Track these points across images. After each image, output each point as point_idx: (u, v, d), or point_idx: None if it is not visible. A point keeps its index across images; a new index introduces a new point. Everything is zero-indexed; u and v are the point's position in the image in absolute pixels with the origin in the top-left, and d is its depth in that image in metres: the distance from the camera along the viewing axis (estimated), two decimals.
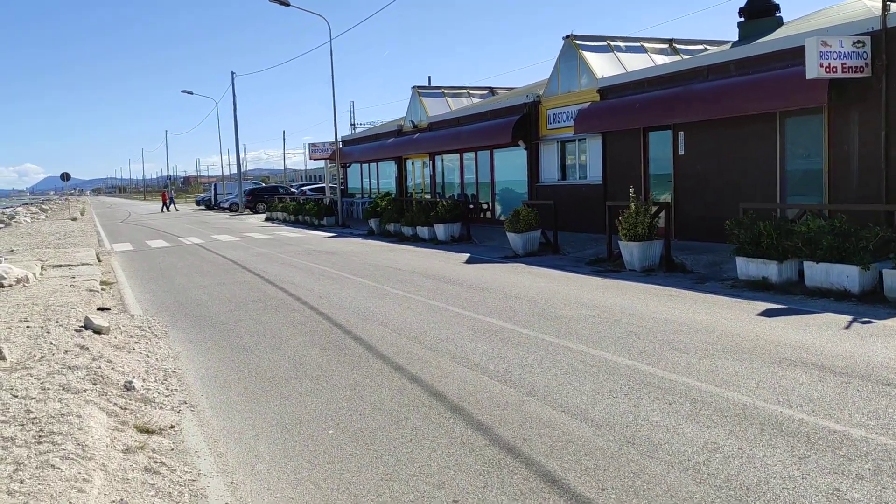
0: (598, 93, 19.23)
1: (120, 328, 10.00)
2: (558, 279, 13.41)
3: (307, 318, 10.65)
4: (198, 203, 70.22)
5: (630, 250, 14.28)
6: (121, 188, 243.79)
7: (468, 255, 18.37)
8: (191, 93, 56.32)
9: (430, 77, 37.76)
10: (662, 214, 14.58)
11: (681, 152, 16.73)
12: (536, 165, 22.43)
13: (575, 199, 19.81)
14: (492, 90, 31.40)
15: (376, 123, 38.50)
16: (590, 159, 20.24)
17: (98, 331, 9.33)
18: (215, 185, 64.51)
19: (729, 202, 15.54)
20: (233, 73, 50.25)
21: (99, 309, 11.58)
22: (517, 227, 17.65)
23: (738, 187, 15.29)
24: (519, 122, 22.18)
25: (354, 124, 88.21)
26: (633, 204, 14.31)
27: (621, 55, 20.43)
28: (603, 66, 19.88)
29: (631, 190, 14.74)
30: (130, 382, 7.02)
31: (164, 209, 59.99)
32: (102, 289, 14.56)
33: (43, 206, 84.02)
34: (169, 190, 72.07)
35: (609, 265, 15.19)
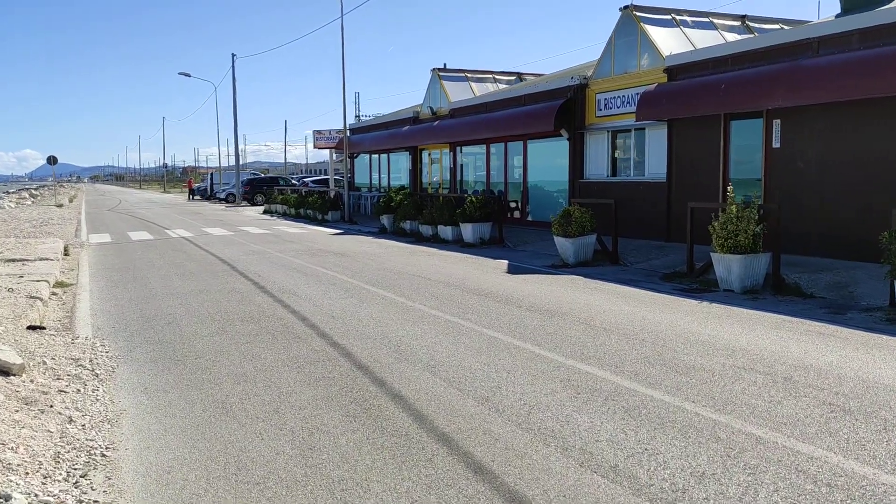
0: (664, 73, 16.11)
1: (45, 363, 6.85)
2: (642, 301, 10.29)
3: (318, 353, 7.51)
4: (193, 193, 66.93)
5: (727, 265, 11.16)
6: (119, 176, 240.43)
7: (505, 261, 15.26)
8: (188, 75, 53.15)
9: (444, 63, 35.08)
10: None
11: (775, 145, 13.61)
12: (581, 159, 19.30)
13: (629, 199, 16.69)
14: (519, 76, 28.28)
15: (382, 115, 35.14)
16: (649, 152, 17.11)
17: (5, 370, 6.19)
18: (211, 174, 61.29)
19: (845, 208, 12.42)
20: (233, 54, 47.15)
21: (30, 327, 8.44)
22: (568, 230, 14.52)
23: (856, 189, 12.18)
24: (561, 107, 19.04)
25: (360, 116, 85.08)
26: (733, 206, 11.19)
27: (688, 31, 17.32)
28: (668, 43, 16.77)
29: (729, 188, 11.67)
30: (8, 499, 3.87)
31: (191, 197, 60.31)
32: (53, 294, 11.42)
33: (33, 192, 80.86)
34: (194, 178, 72.27)
35: (693, 282, 12.09)
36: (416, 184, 28.90)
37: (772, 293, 10.94)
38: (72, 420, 5.43)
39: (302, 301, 10.53)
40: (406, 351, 7.44)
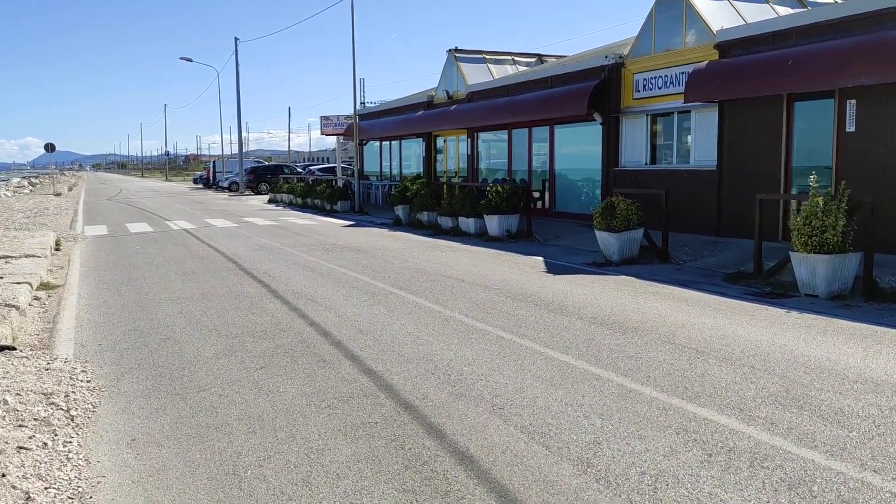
0: (715, 49, 14.53)
1: (6, 403, 5.40)
2: (719, 310, 8.79)
3: (351, 384, 6.03)
4: (195, 181, 65.51)
5: (811, 266, 9.66)
6: (121, 164, 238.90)
7: (540, 258, 13.77)
8: (190, 60, 51.47)
9: (455, 46, 33.43)
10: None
11: (850, 128, 12.07)
12: (615, 145, 17.75)
13: (671, 189, 15.12)
14: (540, 57, 26.67)
15: (388, 101, 33.53)
16: (695, 138, 15.57)
17: None
18: (214, 162, 59.71)
19: None
20: (236, 38, 45.55)
21: None
22: (612, 223, 13.01)
23: None
24: (595, 89, 17.48)
25: (364, 103, 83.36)
26: (818, 199, 9.67)
27: (737, 4, 15.74)
28: (717, 17, 15.19)
29: (812, 177, 10.16)
30: None
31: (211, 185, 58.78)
32: (36, 299, 9.95)
33: (33, 181, 79.37)
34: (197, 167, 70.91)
35: (764, 284, 10.59)
36: (430, 172, 27.36)
37: (863, 299, 9.45)
38: (30, 499, 3.96)
39: (321, 309, 9.05)
40: (460, 382, 5.96)
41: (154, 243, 17.26)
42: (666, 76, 16.03)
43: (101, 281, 11.75)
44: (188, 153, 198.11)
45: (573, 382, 5.89)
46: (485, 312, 8.67)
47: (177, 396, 5.82)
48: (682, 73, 15.50)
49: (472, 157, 24.33)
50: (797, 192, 13.38)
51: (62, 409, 5.41)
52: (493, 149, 23.82)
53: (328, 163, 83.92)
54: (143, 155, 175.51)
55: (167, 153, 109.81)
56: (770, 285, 10.58)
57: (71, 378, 6.24)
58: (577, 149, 19.49)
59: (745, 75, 13.34)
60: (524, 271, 12.10)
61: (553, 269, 12.45)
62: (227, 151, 57.73)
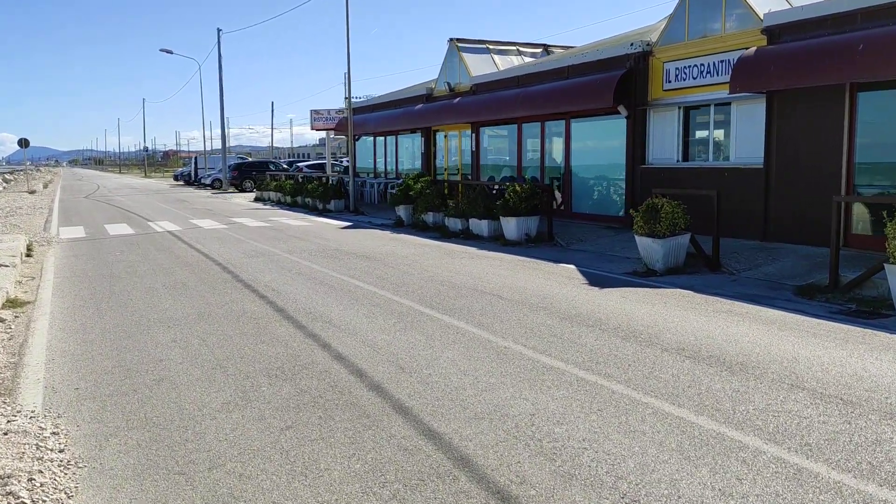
0: (763, 34, 13.14)
1: None
2: (819, 335, 7.39)
3: (412, 455, 4.55)
4: (176, 178, 63.47)
5: None
6: (98, 160, 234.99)
7: (571, 266, 12.35)
8: (170, 52, 49.50)
9: (450, 39, 31.88)
10: None
11: None
12: (642, 140, 16.33)
13: (709, 189, 13.75)
14: (546, 48, 25.21)
15: (373, 96, 31.82)
16: (737, 132, 14.18)
17: None
18: (196, 158, 57.74)
19: None
20: (219, 29, 43.74)
21: None
22: (656, 228, 11.59)
23: None
24: (621, 79, 16.05)
25: (350, 98, 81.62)
26: None
27: None
28: (761, 0, 13.79)
29: None
30: None
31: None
32: (0, 322, 8.35)
33: (6, 178, 76.77)
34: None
35: (846, 300, 9.21)
36: (430, 169, 25.84)
37: None
38: None
39: (344, 336, 7.54)
40: (560, 453, 4.49)
41: (136, 248, 15.63)
42: (702, 65, 14.62)
43: (77, 297, 10.15)
44: (167, 149, 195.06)
45: (712, 454, 4.43)
46: (543, 341, 7.19)
47: (181, 477, 4.30)
48: (722, 61, 14.11)
49: (477, 154, 22.83)
50: (860, 192, 12.03)
51: None
52: (499, 144, 22.33)
53: (309, 158, 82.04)
54: (121, 151, 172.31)
55: (146, 149, 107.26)
56: (853, 301, 9.20)
57: (38, 447, 4.70)
58: (596, 144, 18.06)
59: (804, 62, 11.95)
60: (563, 283, 10.65)
61: (594, 280, 11.00)
62: (208, 147, 55.87)
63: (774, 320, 8.12)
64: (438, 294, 9.76)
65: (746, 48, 13.31)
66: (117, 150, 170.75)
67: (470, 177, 23.07)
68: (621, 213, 16.99)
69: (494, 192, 16.88)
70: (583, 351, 6.80)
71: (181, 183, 58.58)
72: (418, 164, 27.20)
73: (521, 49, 24.67)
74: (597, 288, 10.27)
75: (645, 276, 11.44)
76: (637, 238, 12.04)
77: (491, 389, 5.73)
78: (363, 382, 5.99)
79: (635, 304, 9.02)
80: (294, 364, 6.57)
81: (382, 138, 30.37)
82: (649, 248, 11.80)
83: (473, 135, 22.78)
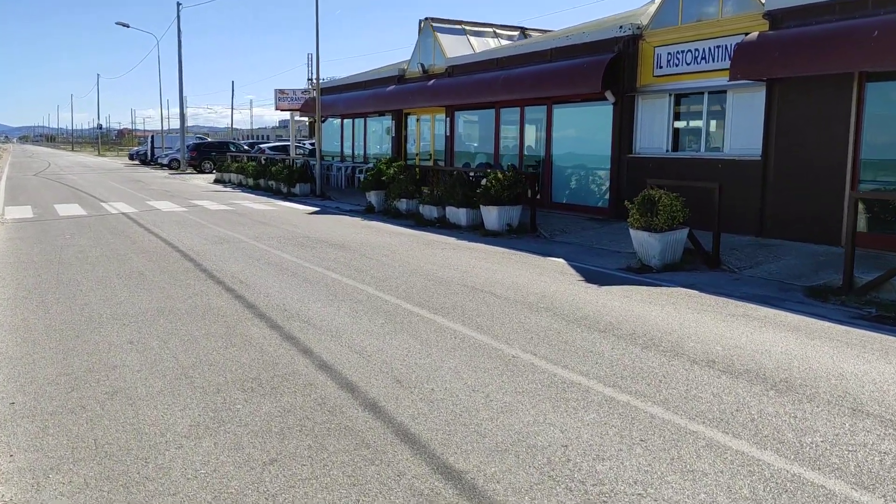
0: (765, 19, 12.46)
1: None
2: (852, 345, 6.72)
3: (435, 501, 3.67)
4: (131, 157, 61.36)
5: None
6: (50, 137, 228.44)
7: (560, 260, 11.59)
8: (127, 25, 47.49)
9: (424, 18, 31.05)
10: None
11: None
12: (629, 129, 15.60)
13: (701, 181, 13.11)
14: (523, 30, 24.37)
15: (336, 79, 30.55)
16: (733, 122, 13.51)
17: None
18: (152, 137, 55.77)
19: None
20: (178, 3, 42.01)
21: None
22: (653, 222, 10.85)
23: None
24: (609, 63, 15.28)
25: (311, 79, 79.89)
26: None
27: None
28: None
29: None
30: None
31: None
32: None
33: None
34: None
35: (862, 303, 8.58)
36: (401, 154, 24.87)
37: None
38: None
39: (327, 339, 6.64)
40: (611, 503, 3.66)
41: (89, 231, 14.47)
42: (696, 50, 13.92)
43: (20, 286, 9.07)
44: (122, 127, 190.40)
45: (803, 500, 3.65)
46: (554, 349, 6.38)
47: None
48: (718, 46, 13.42)
49: (451, 139, 21.93)
50: (866, 188, 11.45)
51: None
52: (475, 130, 21.46)
53: (269, 141, 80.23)
54: (74, 128, 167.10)
55: (99, 126, 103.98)
56: (872, 305, 8.56)
57: None
58: (580, 132, 17.29)
59: (812, 49, 11.29)
60: (557, 279, 9.86)
61: (588, 276, 10.23)
62: (166, 126, 53.82)
63: (798, 326, 7.42)
64: (426, 290, 8.89)
65: (746, 33, 12.63)
66: (70, 128, 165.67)
67: (443, 163, 22.18)
68: (605, 205, 16.29)
69: (472, 178, 16.02)
70: (602, 362, 6.00)
71: (137, 162, 56.63)
72: (387, 148, 26.21)
73: (497, 31, 23.79)
74: (595, 285, 9.50)
75: (640, 272, 10.72)
76: (632, 232, 11.30)
77: (508, 411, 4.90)
78: (356, 399, 5.12)
79: (643, 306, 8.26)
80: (272, 374, 5.66)
81: (350, 121, 29.27)
82: (645, 242, 11.06)
83: (448, 119, 21.87)
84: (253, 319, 7.41)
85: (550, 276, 10.14)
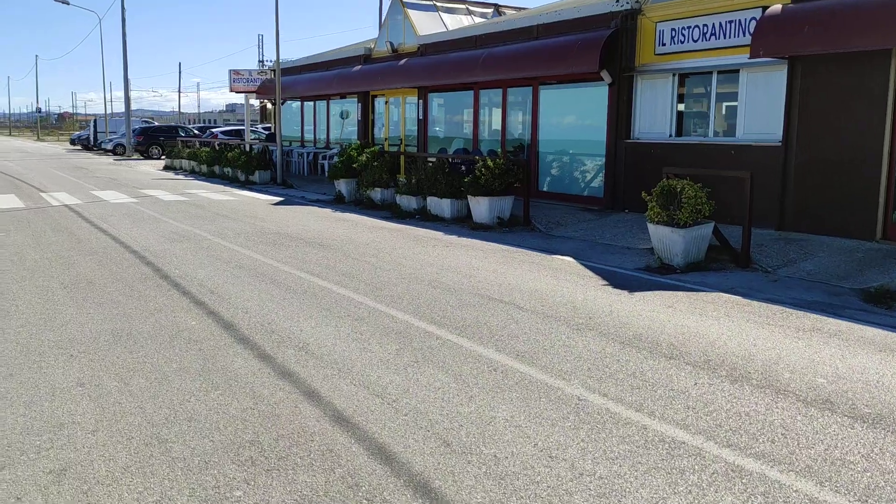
0: None
1: None
2: None
3: None
4: (73, 142, 58.36)
5: None
6: None
7: (569, 258, 10.37)
8: (67, 2, 44.68)
9: (380, 5, 29.41)
10: None
11: None
12: (627, 111, 14.38)
13: (712, 168, 11.98)
14: (497, 8, 22.99)
15: (289, 61, 28.69)
16: (748, 104, 12.38)
17: None
18: (95, 120, 52.95)
19: None
20: None
21: None
22: (676, 215, 9.66)
23: None
24: (607, 39, 14.03)
25: (263, 61, 77.25)
26: None
27: None
28: None
29: None
30: None
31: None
32: None
33: None
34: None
35: None
36: (368, 138, 23.34)
37: None
38: None
39: (333, 374, 5.25)
40: None
41: (27, 227, 12.75)
42: (705, 26, 12.73)
43: None
44: (62, 111, 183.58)
45: None
46: (624, 385, 5.10)
47: None
48: (731, 21, 12.26)
49: (424, 123, 20.49)
50: None
51: None
52: (451, 113, 20.06)
53: (217, 125, 77.54)
54: (11, 112, 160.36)
55: (38, 110, 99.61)
56: None
57: None
58: (570, 115, 16.04)
59: (848, 22, 10.17)
60: (577, 284, 8.59)
61: (610, 279, 8.99)
62: (108, 110, 51.01)
63: (884, 344, 6.27)
64: (435, 301, 7.53)
65: (764, 7, 11.47)
66: (7, 112, 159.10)
67: (415, 148, 20.75)
68: (599, 194, 15.09)
69: (454, 165, 14.65)
70: (695, 407, 4.74)
71: (79, 148, 53.84)
72: (351, 131, 24.64)
73: (470, 8, 22.38)
74: (625, 291, 8.26)
75: (663, 272, 9.54)
76: (651, 227, 10.09)
77: (611, 491, 3.59)
78: (400, 478, 3.76)
79: (694, 318, 7.03)
80: (276, 434, 4.27)
81: (311, 103, 27.58)
82: (667, 238, 9.86)
83: (421, 101, 20.42)
84: (234, 346, 5.98)
85: (568, 279, 8.87)
